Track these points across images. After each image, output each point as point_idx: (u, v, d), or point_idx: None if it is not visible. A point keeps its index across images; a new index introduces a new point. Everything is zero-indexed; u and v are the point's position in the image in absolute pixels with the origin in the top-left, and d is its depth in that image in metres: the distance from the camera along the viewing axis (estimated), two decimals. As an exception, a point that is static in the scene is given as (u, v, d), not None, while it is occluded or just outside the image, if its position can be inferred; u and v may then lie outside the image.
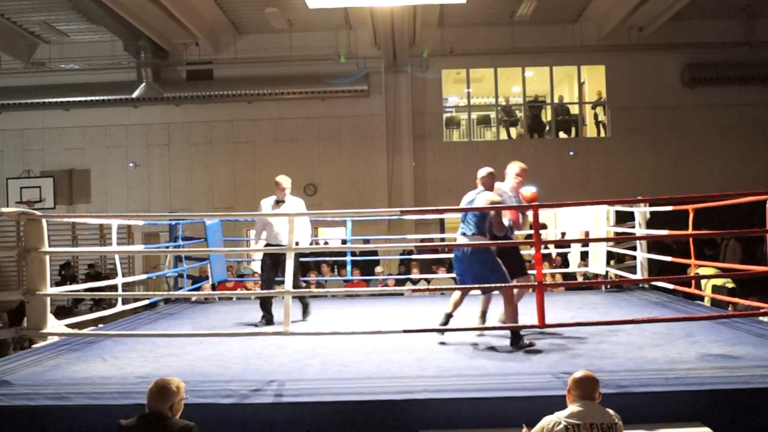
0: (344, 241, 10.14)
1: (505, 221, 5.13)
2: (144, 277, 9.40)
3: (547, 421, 2.99)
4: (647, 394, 3.64)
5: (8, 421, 3.65)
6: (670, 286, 7.10)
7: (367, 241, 10.91)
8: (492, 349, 4.86)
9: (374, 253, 10.82)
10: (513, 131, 15.18)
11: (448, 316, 5.21)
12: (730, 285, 7.27)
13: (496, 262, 4.94)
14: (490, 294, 5.48)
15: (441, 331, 5.21)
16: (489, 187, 5.21)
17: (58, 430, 3.64)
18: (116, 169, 14.68)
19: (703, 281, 7.35)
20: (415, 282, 9.56)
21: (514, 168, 5.52)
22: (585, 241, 8.42)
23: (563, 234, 11.71)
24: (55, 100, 14.01)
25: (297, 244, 5.62)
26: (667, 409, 3.57)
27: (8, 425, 3.64)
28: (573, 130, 15.01)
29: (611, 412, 3.03)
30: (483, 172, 5.26)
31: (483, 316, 5.48)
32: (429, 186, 14.18)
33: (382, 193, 14.20)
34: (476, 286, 5.10)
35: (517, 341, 4.83)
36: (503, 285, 4.92)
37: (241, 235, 14.07)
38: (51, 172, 14.43)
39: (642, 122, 14.31)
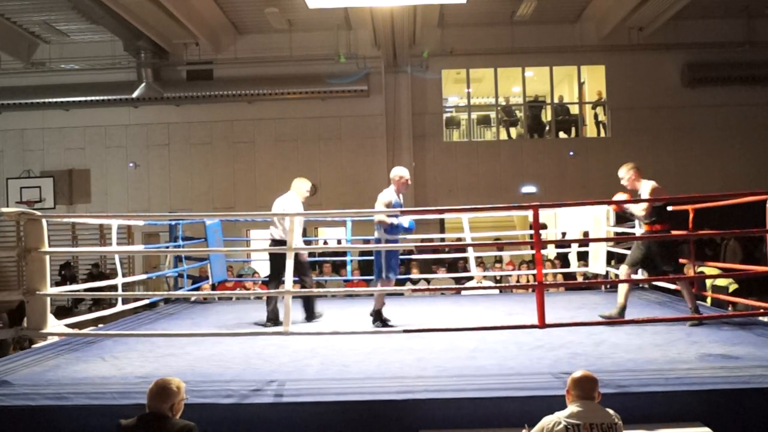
0: (342, 242, 10.14)
1: (395, 220, 5.59)
2: (144, 277, 9.40)
3: (547, 421, 2.99)
4: (647, 394, 3.64)
5: (8, 421, 3.65)
6: (671, 286, 7.10)
7: (367, 241, 10.88)
8: (492, 349, 4.86)
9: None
10: (513, 131, 15.18)
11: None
12: (734, 286, 7.27)
13: (387, 257, 5.52)
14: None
15: (441, 332, 5.20)
16: (397, 187, 5.70)
17: (58, 430, 3.65)
18: (116, 169, 14.68)
19: (706, 281, 7.34)
20: (415, 282, 9.56)
21: None
22: (585, 241, 8.41)
23: (563, 234, 11.70)
24: (55, 100, 14.01)
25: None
26: (667, 409, 3.57)
27: (8, 425, 3.64)
28: (573, 130, 15.01)
29: (611, 412, 3.03)
30: (392, 172, 5.78)
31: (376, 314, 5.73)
32: (429, 186, 14.18)
33: (382, 193, 14.18)
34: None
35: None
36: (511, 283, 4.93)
37: (241, 235, 14.06)
38: (51, 172, 14.43)
39: (642, 122, 14.31)
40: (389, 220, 5.56)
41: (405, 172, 5.81)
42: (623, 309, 5.69)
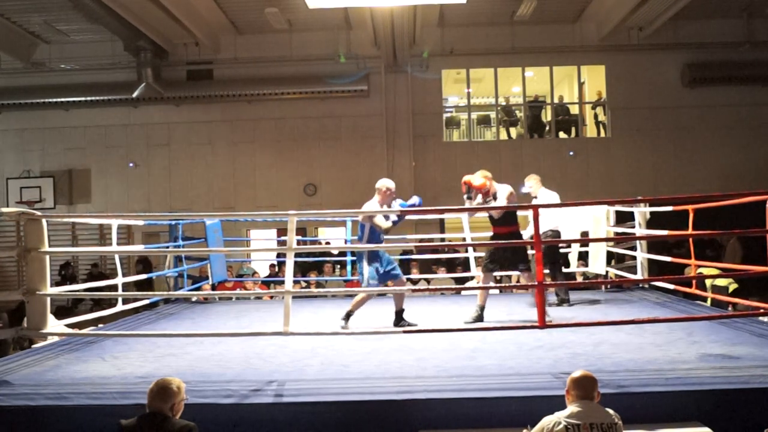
0: (344, 241, 10.12)
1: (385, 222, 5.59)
2: (144, 277, 9.38)
3: (547, 421, 2.99)
4: (647, 394, 3.64)
5: (8, 421, 3.65)
6: (671, 286, 7.10)
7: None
8: (492, 349, 4.86)
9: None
10: (513, 131, 15.18)
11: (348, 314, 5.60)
12: (734, 286, 7.25)
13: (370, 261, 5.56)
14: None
15: (441, 332, 5.20)
16: (381, 198, 5.77)
17: (58, 430, 3.65)
18: (116, 169, 14.66)
19: (706, 282, 7.33)
20: (414, 282, 9.56)
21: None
22: (585, 241, 8.41)
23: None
24: (55, 100, 13.99)
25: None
26: (667, 409, 3.57)
27: (8, 425, 3.64)
28: (573, 130, 15.01)
29: (611, 412, 3.03)
30: (378, 183, 5.86)
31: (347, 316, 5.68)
32: (429, 186, 14.15)
33: (382, 193, 14.18)
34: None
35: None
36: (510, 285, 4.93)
37: (241, 235, 14.06)
38: (51, 172, 14.42)
39: (642, 122, 14.31)
40: (384, 225, 5.59)
41: (392, 184, 5.86)
42: (482, 309, 5.96)
